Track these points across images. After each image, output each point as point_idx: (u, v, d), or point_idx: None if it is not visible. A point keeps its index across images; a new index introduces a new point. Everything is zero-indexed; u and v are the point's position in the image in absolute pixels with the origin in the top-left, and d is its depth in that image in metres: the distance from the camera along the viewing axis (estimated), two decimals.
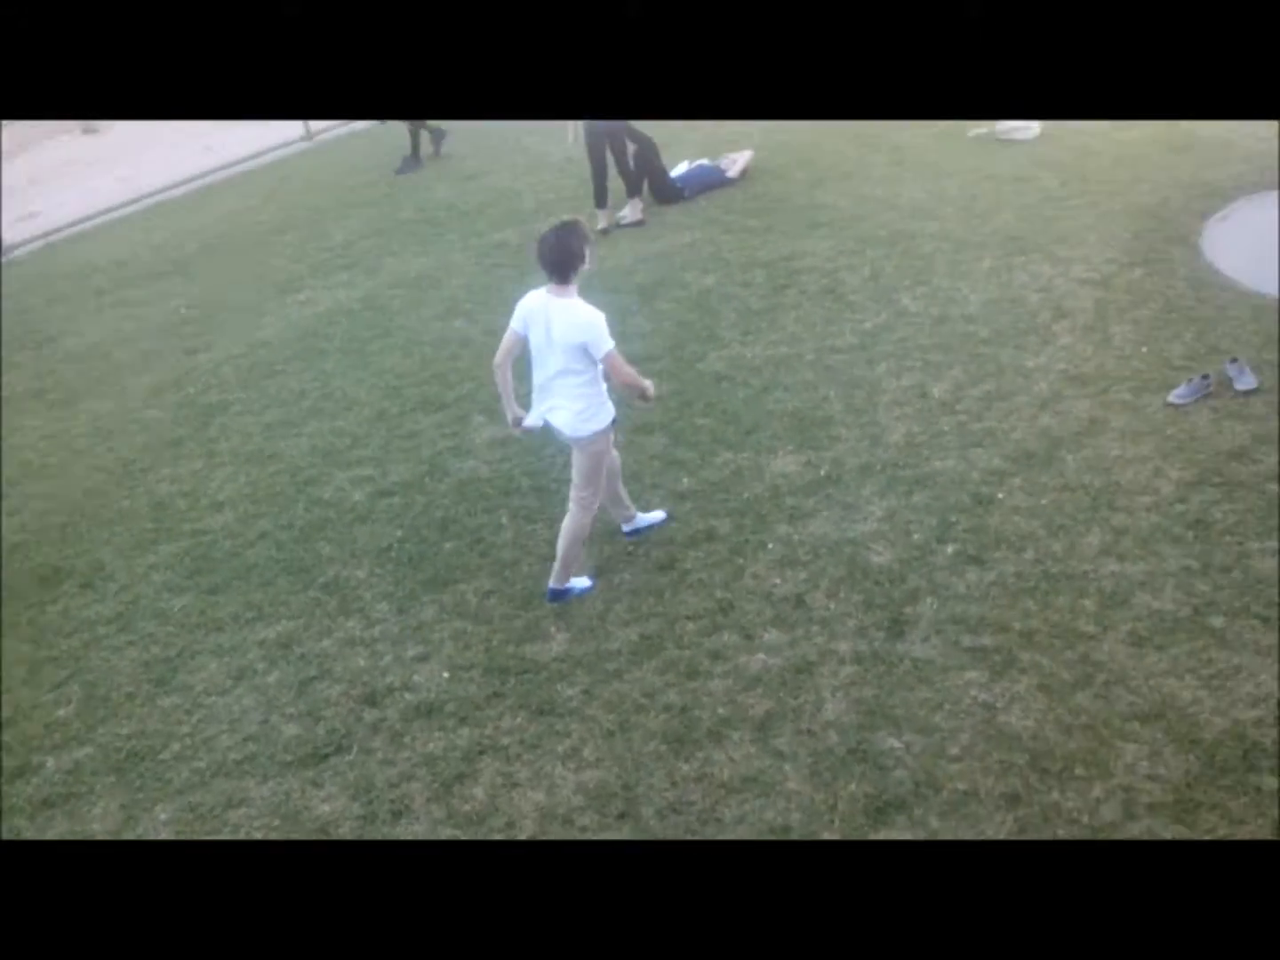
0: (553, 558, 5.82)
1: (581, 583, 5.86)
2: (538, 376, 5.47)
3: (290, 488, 7.13)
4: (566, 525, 5.65)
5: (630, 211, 9.90)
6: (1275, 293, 7.33)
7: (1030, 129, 10.25)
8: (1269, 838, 4.00)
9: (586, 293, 5.40)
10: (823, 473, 6.37)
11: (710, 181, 10.29)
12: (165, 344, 9.26)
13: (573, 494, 5.64)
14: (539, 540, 6.22)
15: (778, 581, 5.63)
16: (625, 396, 5.72)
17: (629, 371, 5.37)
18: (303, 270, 10.06)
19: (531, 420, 5.61)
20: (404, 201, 11.10)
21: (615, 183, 9.83)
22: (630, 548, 6.05)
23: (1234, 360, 6.52)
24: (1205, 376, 6.46)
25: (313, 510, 6.87)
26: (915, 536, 5.76)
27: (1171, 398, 6.42)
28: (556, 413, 5.46)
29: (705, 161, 10.49)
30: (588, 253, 5.26)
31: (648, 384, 5.53)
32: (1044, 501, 5.84)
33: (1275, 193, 8.71)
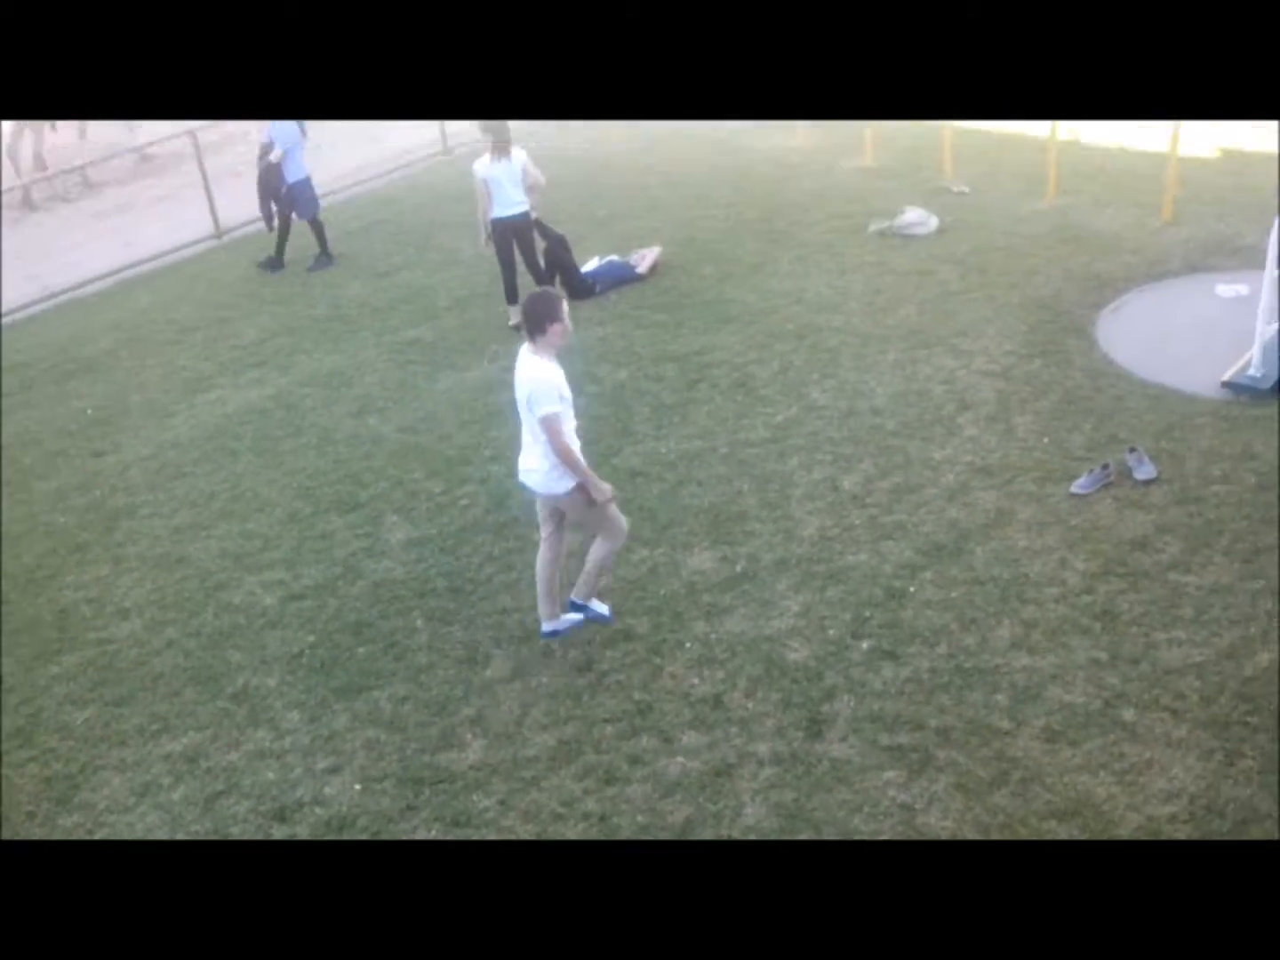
0: (469, 659, 5.77)
1: (601, 608, 6.12)
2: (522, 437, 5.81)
3: (199, 593, 6.98)
4: (594, 550, 5.95)
5: None
6: (1168, 383, 7.60)
7: (928, 224, 10.57)
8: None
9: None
10: (738, 569, 6.40)
11: (620, 277, 10.42)
12: (72, 446, 9.07)
13: (598, 532, 5.94)
14: (454, 643, 6.15)
15: (695, 681, 5.62)
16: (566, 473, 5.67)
17: (563, 444, 5.52)
18: (212, 369, 9.95)
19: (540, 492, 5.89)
20: (317, 299, 11.07)
21: (526, 278, 9.92)
22: (547, 648, 6.01)
23: (1133, 450, 6.73)
24: (1105, 466, 6.65)
25: (222, 616, 6.73)
26: (831, 632, 5.81)
27: (1074, 488, 6.59)
28: (530, 475, 5.78)
29: (615, 257, 10.64)
30: (553, 317, 5.54)
31: (601, 485, 5.66)
32: (955, 594, 5.93)
33: (1164, 284, 9.07)
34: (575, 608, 6.10)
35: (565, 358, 9.03)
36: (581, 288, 10.27)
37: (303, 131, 11.55)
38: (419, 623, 6.38)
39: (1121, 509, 6.40)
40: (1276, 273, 7.15)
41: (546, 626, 6.13)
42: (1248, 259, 8.96)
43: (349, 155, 15.24)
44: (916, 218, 10.68)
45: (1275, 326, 7.34)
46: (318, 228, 11.82)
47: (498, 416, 8.42)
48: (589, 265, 10.52)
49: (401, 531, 7.23)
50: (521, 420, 5.75)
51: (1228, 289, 8.74)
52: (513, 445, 7.91)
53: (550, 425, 5.48)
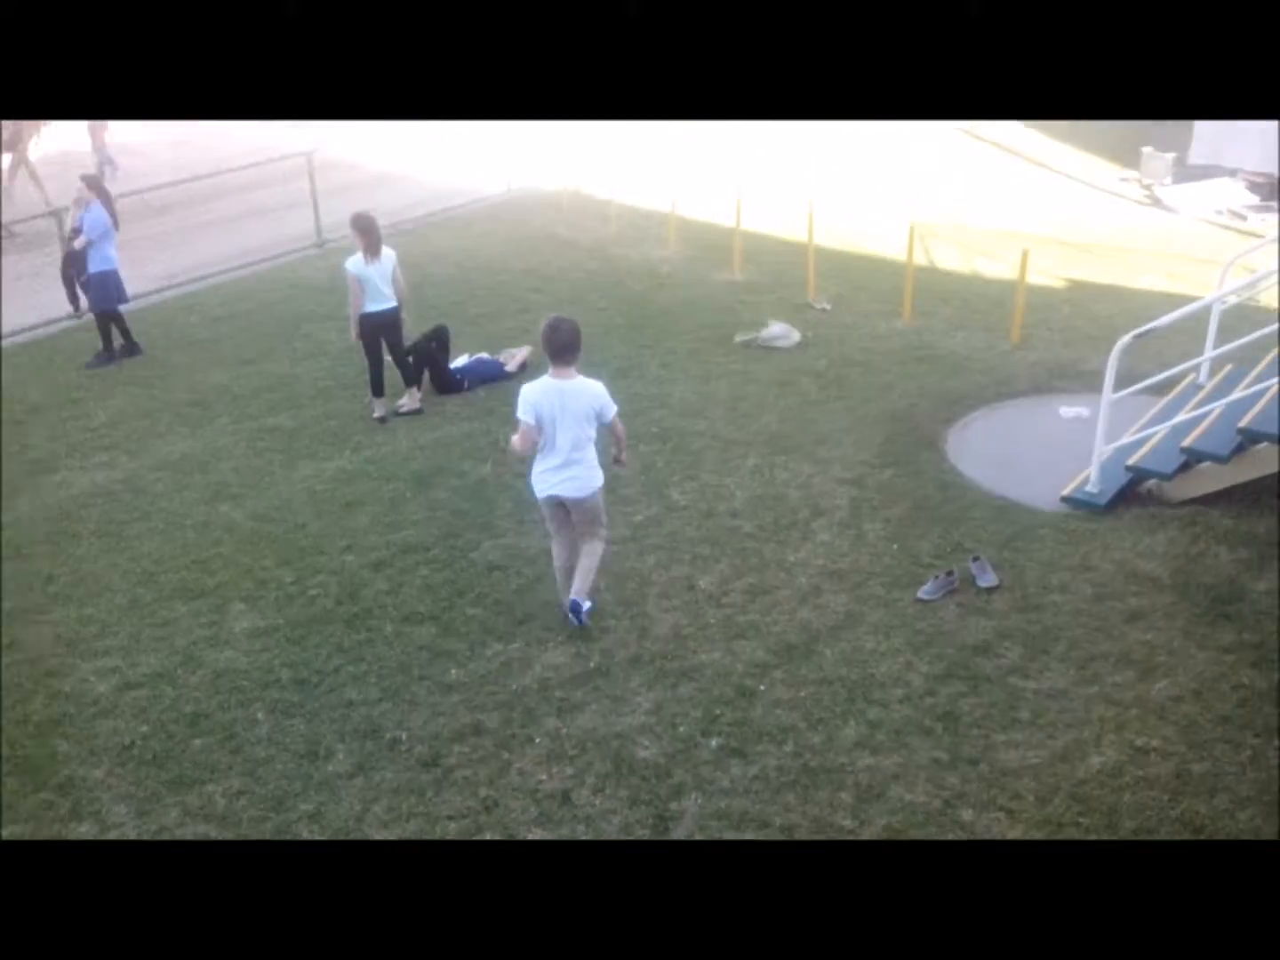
0: (310, 753, 5.59)
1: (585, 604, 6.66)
2: (552, 457, 6.39)
3: (28, 680, 6.64)
4: (592, 550, 6.63)
5: (409, 400, 9.95)
6: (1012, 496, 7.89)
7: (791, 338, 10.91)
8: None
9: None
10: (592, 664, 6.37)
11: (490, 374, 10.48)
12: None
13: (593, 532, 6.65)
14: (295, 736, 5.95)
15: (544, 777, 5.54)
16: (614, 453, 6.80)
17: (622, 426, 6.64)
18: (60, 450, 9.63)
19: (544, 494, 6.55)
20: (175, 383, 10.85)
21: (392, 372, 9.90)
22: (394, 741, 5.85)
23: (976, 559, 6.94)
24: (950, 573, 6.84)
25: (51, 704, 6.40)
26: (681, 729, 5.79)
27: (921, 593, 6.76)
28: (573, 481, 6.42)
29: (485, 355, 10.70)
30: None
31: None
32: (804, 694, 5.99)
33: (1010, 403, 9.48)
34: (576, 608, 6.60)
35: (428, 453, 9.07)
36: (450, 383, 10.29)
37: (115, 224, 11.42)
38: (260, 715, 6.16)
39: (965, 615, 6.58)
40: (1113, 396, 7.53)
41: (587, 604, 6.65)
42: (1089, 383, 9.43)
43: (220, 243, 15.12)
44: (780, 331, 11.01)
45: (1112, 447, 7.71)
46: (105, 323, 11.54)
47: (356, 507, 8.32)
48: (458, 361, 10.56)
49: (247, 620, 7.03)
50: (561, 438, 6.33)
51: (1069, 410, 9.18)
52: (367, 535, 7.90)
53: (618, 420, 6.52)
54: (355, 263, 9.41)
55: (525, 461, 8.74)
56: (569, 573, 6.73)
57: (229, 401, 10.37)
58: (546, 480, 6.50)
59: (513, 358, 10.69)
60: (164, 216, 16.33)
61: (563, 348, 6.29)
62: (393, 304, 9.57)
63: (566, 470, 6.43)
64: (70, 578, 7.70)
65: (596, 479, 6.53)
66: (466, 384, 10.36)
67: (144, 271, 14.11)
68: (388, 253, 9.49)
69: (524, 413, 6.33)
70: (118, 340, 11.61)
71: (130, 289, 12.27)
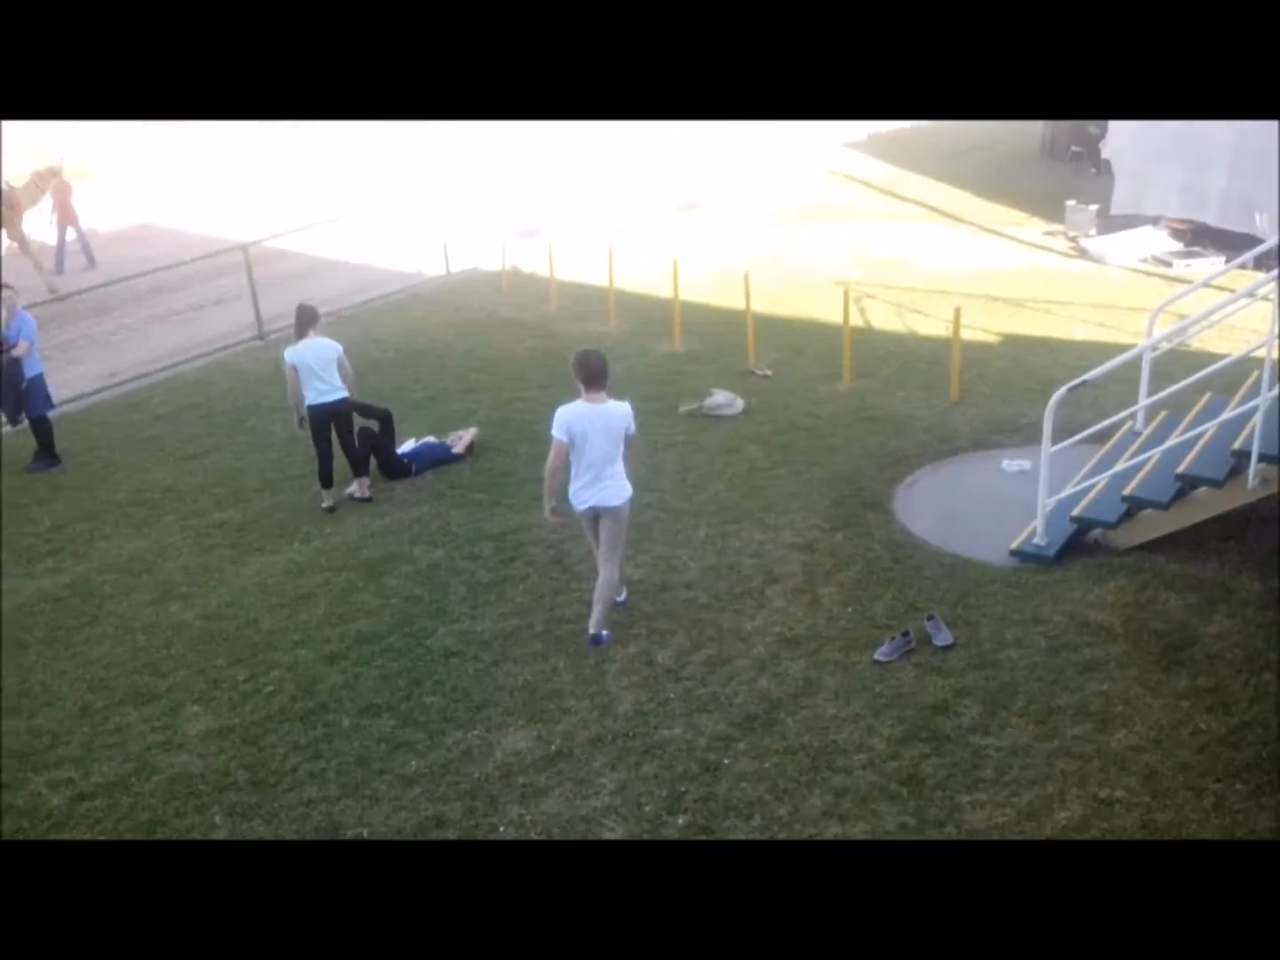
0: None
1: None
2: (586, 473, 7.08)
3: None
4: (606, 581, 7.26)
5: (358, 488, 9.92)
6: (961, 552, 7.98)
7: (735, 406, 11.01)
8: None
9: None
10: (554, 747, 6.32)
11: (437, 457, 10.47)
12: None
13: (608, 556, 7.27)
14: (256, 838, 5.84)
15: None
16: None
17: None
18: (4, 557, 9.48)
19: (584, 506, 7.24)
20: (119, 484, 10.74)
21: (340, 461, 9.87)
22: (355, 839, 5.76)
23: (930, 617, 7.00)
24: (906, 634, 6.88)
25: (4, 821, 6.24)
26: (647, 809, 5.76)
27: (877, 655, 6.80)
28: (606, 491, 7.11)
29: (432, 439, 10.70)
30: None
31: None
32: (768, 765, 5.97)
33: (954, 460, 9.61)
34: (597, 641, 7.26)
35: (378, 540, 9.02)
36: (398, 468, 10.27)
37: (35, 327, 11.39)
38: (217, 819, 6.05)
39: (922, 675, 6.62)
40: (1053, 448, 7.67)
41: (605, 633, 7.31)
42: (1028, 436, 9.59)
43: (161, 340, 15.07)
44: (724, 399, 11.12)
45: (1055, 498, 7.83)
46: (44, 427, 11.46)
47: (308, 599, 8.24)
48: (405, 446, 10.55)
49: (201, 722, 6.91)
50: (595, 456, 7.03)
51: (1012, 464, 9.32)
52: (321, 628, 7.83)
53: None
54: (292, 351, 9.47)
55: (475, 542, 8.77)
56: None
57: (175, 499, 10.28)
58: (583, 495, 7.18)
59: (460, 440, 10.69)
60: (102, 316, 16.26)
61: (595, 375, 6.98)
62: (339, 394, 9.58)
63: (600, 483, 7.09)
64: (18, 688, 7.55)
65: (627, 489, 7.23)
66: (414, 468, 10.34)
67: (84, 372, 14.04)
68: (330, 342, 9.52)
69: (558, 430, 7.03)
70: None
71: (70, 390, 12.22)
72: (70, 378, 13.74)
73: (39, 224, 19.37)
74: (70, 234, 19.38)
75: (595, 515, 7.25)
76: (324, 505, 9.73)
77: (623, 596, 7.70)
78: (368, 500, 9.85)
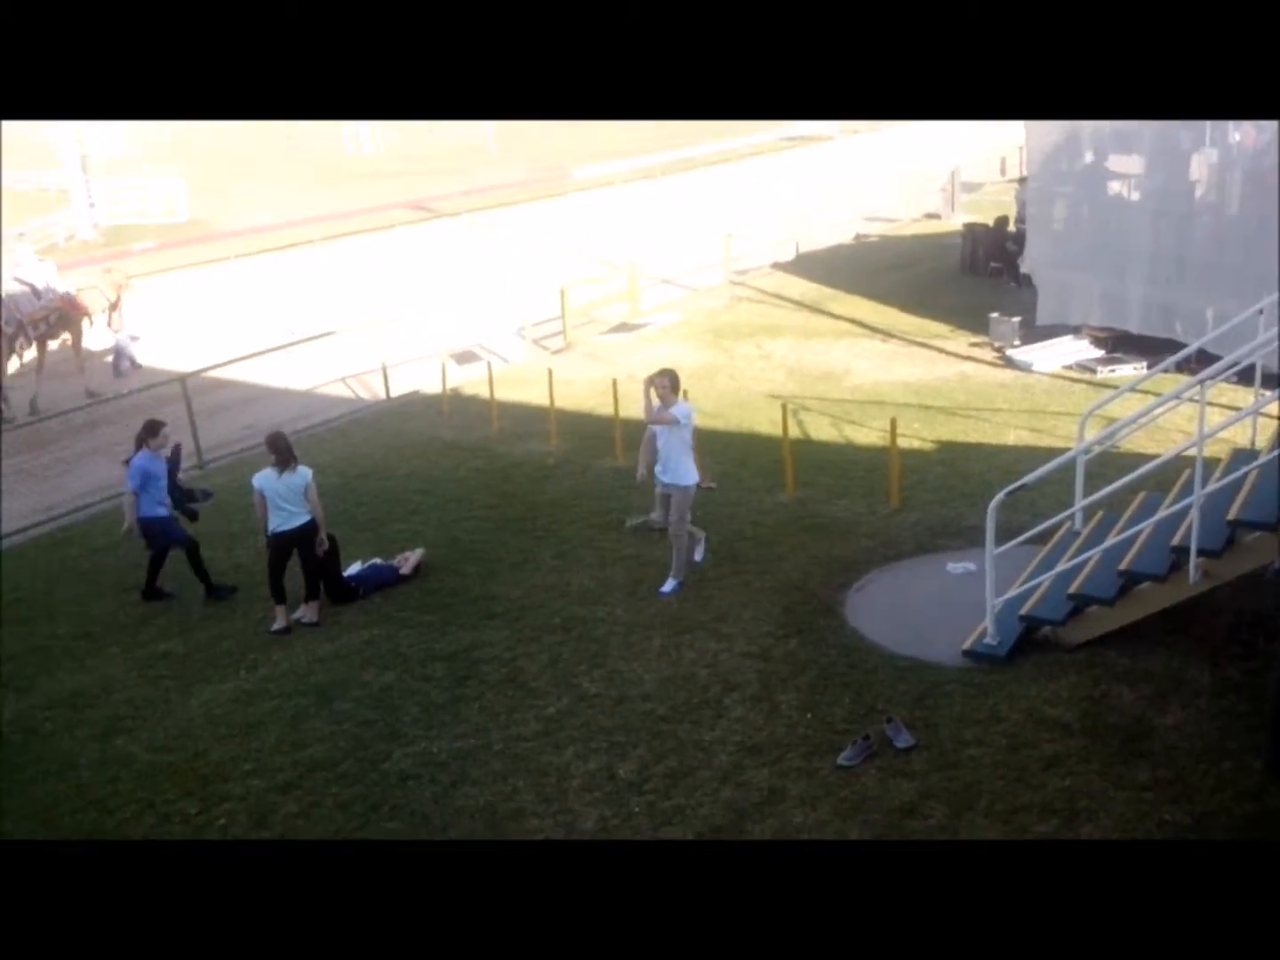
0: None
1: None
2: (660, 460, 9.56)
3: None
4: (673, 545, 9.68)
5: (308, 612, 9.81)
6: (915, 654, 8.05)
7: None
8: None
9: None
10: None
11: (384, 579, 10.40)
12: None
13: (676, 526, 9.60)
14: None
15: None
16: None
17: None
18: None
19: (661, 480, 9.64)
20: (59, 618, 10.50)
21: (292, 583, 9.78)
22: None
23: (890, 720, 7.03)
24: (867, 737, 6.90)
25: None
26: None
27: (840, 760, 6.79)
28: (666, 474, 9.51)
29: (378, 561, 10.64)
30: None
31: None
32: None
33: (900, 564, 9.75)
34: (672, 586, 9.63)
35: (328, 665, 8.90)
36: (344, 592, 10.17)
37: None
38: None
39: (886, 778, 6.61)
40: (996, 550, 7.81)
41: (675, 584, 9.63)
42: (971, 539, 9.77)
43: (99, 473, 14.90)
44: None
45: (1003, 599, 7.96)
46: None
47: (258, 727, 8.07)
48: (351, 569, 10.47)
49: None
50: (668, 444, 9.45)
51: (957, 566, 9.47)
52: (272, 757, 7.66)
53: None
54: (258, 477, 9.66)
55: (427, 663, 8.69)
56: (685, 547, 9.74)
57: (117, 631, 10.07)
58: (658, 478, 9.62)
59: (406, 560, 10.64)
60: (39, 450, 16.06)
61: (674, 388, 9.48)
62: (305, 518, 9.64)
63: (667, 466, 9.48)
64: None
65: (674, 475, 9.46)
66: (361, 590, 10.25)
67: (19, 507, 13.80)
68: (303, 469, 9.68)
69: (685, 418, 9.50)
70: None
71: (7, 525, 11.98)
72: (5, 512, 13.52)
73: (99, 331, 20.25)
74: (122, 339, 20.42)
75: (663, 492, 9.63)
76: (275, 626, 9.61)
77: (668, 588, 9.62)
78: (316, 625, 9.73)
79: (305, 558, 9.77)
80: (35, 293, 18.33)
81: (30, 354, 18.62)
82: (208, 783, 7.44)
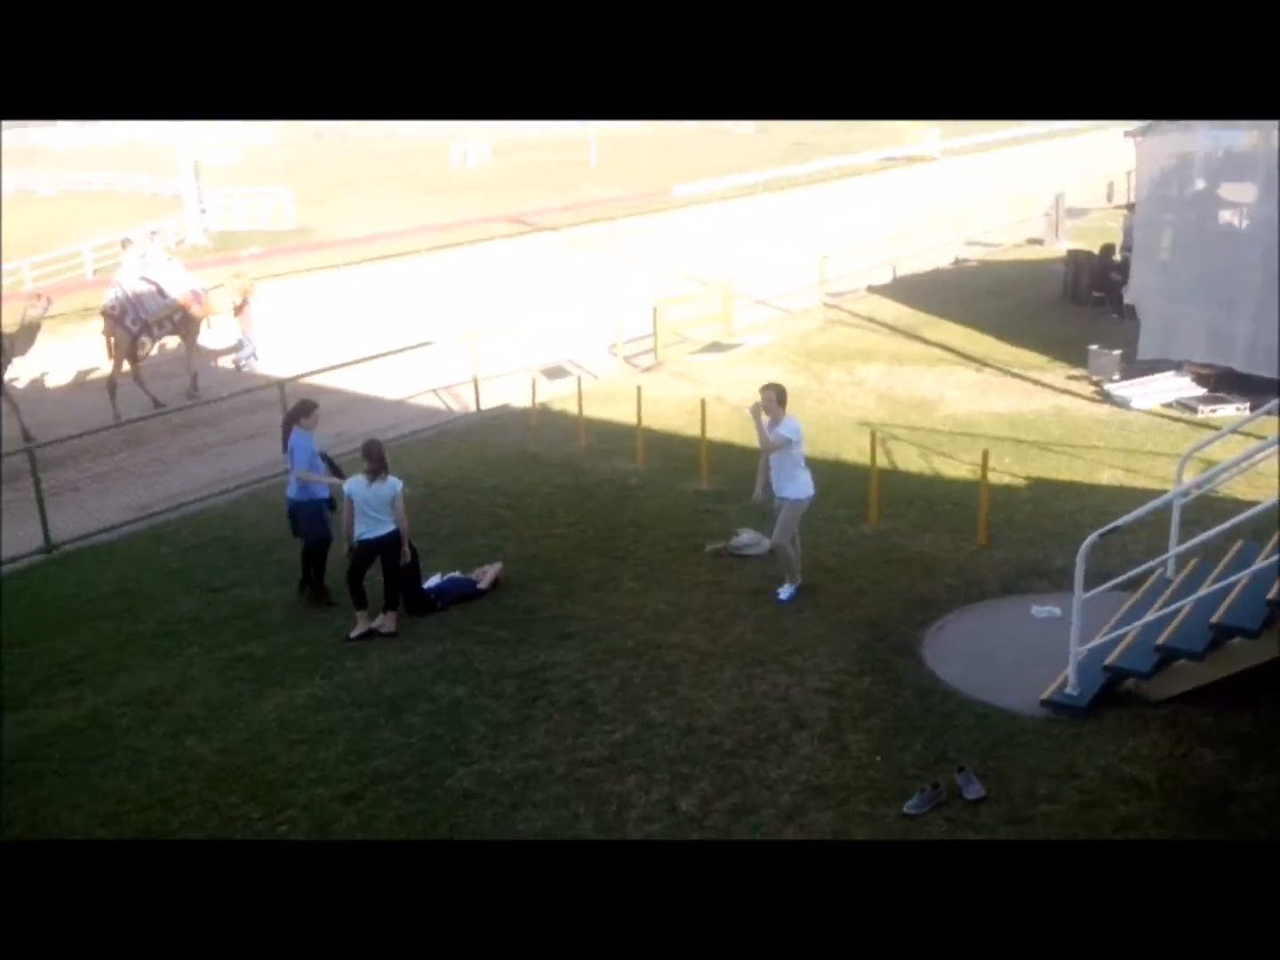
0: None
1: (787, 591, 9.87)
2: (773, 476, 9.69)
3: None
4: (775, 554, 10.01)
5: (386, 622, 9.89)
6: (991, 700, 7.84)
7: (762, 545, 10.97)
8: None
9: None
10: None
11: (462, 592, 10.45)
12: None
13: (774, 539, 9.80)
14: None
15: None
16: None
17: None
18: (25, 687, 9.44)
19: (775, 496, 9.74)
20: (144, 614, 10.74)
21: (372, 591, 9.88)
22: None
23: (961, 769, 6.84)
24: (936, 786, 6.72)
25: None
26: None
27: (907, 808, 6.63)
28: (780, 489, 9.59)
29: (457, 574, 10.70)
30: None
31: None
32: None
33: (982, 605, 9.52)
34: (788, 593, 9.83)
35: (401, 676, 8.95)
36: (423, 603, 10.24)
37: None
38: None
39: (953, 829, 6.43)
40: (1085, 595, 7.58)
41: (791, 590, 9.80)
42: (1058, 581, 9.51)
43: (196, 472, 15.25)
44: (750, 539, 11.10)
45: (1087, 647, 7.71)
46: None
47: (326, 735, 8.15)
48: (431, 581, 10.54)
49: None
50: (780, 461, 9.54)
51: (1041, 610, 9.22)
52: (338, 766, 7.72)
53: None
54: (350, 483, 9.81)
55: (498, 680, 8.69)
56: (790, 558, 9.90)
57: (199, 631, 10.26)
58: (775, 494, 9.77)
59: (484, 575, 10.68)
60: (136, 448, 16.49)
61: (779, 400, 9.54)
62: (389, 528, 9.73)
63: (777, 481, 9.62)
64: (29, 820, 7.44)
65: (784, 490, 9.61)
66: (439, 603, 10.32)
67: (114, 503, 14.18)
68: (393, 480, 9.77)
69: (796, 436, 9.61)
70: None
71: (99, 522, 12.29)
72: (99, 509, 13.90)
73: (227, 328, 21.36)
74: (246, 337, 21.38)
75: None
76: (354, 633, 9.73)
77: (785, 594, 9.80)
78: (393, 635, 9.81)
79: (387, 567, 9.87)
80: (160, 292, 18.91)
81: (153, 352, 19.33)
82: (273, 789, 7.52)
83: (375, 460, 9.71)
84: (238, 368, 20.96)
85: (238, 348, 21.44)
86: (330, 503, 10.68)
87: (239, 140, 63.86)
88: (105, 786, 7.78)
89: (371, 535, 9.71)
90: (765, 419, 9.45)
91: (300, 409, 10.68)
